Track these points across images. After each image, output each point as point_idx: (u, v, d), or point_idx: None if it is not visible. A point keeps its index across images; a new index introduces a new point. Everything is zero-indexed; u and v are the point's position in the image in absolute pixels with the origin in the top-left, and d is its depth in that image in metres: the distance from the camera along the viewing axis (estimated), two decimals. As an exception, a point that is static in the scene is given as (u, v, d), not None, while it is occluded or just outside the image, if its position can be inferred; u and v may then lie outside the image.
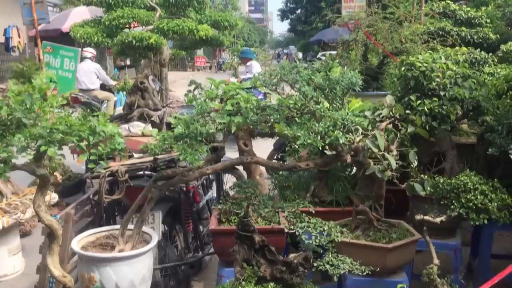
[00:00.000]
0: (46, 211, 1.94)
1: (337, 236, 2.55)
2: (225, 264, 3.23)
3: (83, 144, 1.69)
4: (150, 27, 6.22)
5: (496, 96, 3.82)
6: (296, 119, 2.30)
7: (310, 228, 2.49)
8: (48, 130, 1.62)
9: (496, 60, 5.24)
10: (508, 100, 3.55)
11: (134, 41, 5.80)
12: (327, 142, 2.18)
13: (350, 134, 2.37)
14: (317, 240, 2.47)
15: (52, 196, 4.84)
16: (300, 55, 44.44)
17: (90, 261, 2.47)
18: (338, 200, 3.85)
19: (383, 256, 2.99)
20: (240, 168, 5.19)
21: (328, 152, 3.41)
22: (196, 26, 6.10)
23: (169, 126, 5.14)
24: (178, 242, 4.09)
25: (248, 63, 11.26)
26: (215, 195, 4.86)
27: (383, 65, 4.42)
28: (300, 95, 2.31)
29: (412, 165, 2.98)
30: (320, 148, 3.33)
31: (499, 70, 4.68)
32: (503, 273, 1.91)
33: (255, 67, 11.09)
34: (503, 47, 5.89)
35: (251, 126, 2.90)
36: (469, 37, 5.37)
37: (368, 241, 3.09)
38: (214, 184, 4.94)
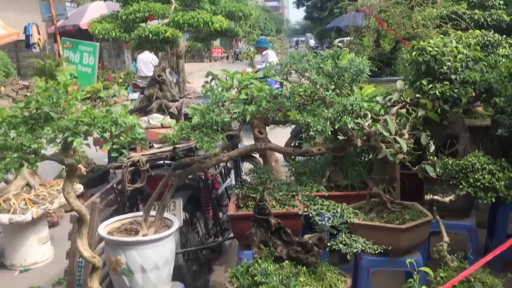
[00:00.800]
0: (75, 198, 2.08)
1: (350, 217, 2.64)
2: (244, 247, 3.37)
3: (107, 134, 1.82)
4: (165, 20, 6.34)
5: (509, 78, 3.85)
6: (307, 106, 2.39)
7: (323, 210, 2.59)
8: (74, 122, 1.75)
9: (510, 42, 5.23)
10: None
11: (150, 35, 5.93)
12: (336, 127, 2.27)
13: (360, 119, 2.46)
14: (330, 221, 2.57)
15: (78, 187, 5.03)
16: (312, 42, 44.02)
17: (116, 245, 2.63)
18: (353, 185, 3.95)
19: (396, 237, 3.08)
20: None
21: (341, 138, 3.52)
22: (210, 18, 6.19)
23: (187, 117, 5.26)
24: (199, 228, 4.24)
25: (264, 53, 11.34)
26: (233, 183, 5.00)
27: (396, 50, 4.47)
28: (309, 83, 2.40)
29: (427, 148, 3.05)
30: (333, 134, 3.45)
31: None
32: (504, 245, 2.00)
33: (271, 56, 11.16)
34: (517, 28, 5.86)
35: (265, 114, 3.02)
36: (482, 19, 5.35)
37: (382, 223, 3.19)
38: (232, 172, 5.07)
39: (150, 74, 11.00)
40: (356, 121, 2.41)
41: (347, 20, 6.58)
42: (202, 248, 3.97)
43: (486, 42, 4.69)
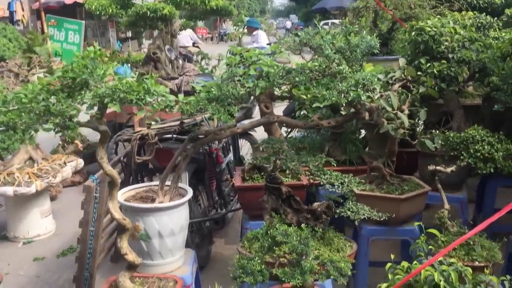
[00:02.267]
0: (107, 163, 2.19)
1: (357, 186, 2.80)
2: (250, 218, 3.52)
3: (142, 102, 1.93)
4: (163, -3, 6.38)
5: (501, 58, 4.04)
6: (321, 81, 2.52)
7: (332, 179, 2.75)
8: (113, 90, 1.85)
9: (500, 24, 5.41)
10: (508, 63, 3.76)
11: (148, 12, 5.97)
12: (349, 99, 2.41)
13: (369, 93, 2.60)
14: (339, 190, 2.73)
15: (79, 162, 5.11)
16: (289, 24, 43.83)
17: (135, 211, 2.74)
18: (351, 160, 4.12)
19: (396, 206, 3.26)
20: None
21: (343, 113, 3.67)
22: (207, -4, 6.25)
23: (187, 94, 5.35)
24: (201, 201, 4.38)
25: (254, 33, 11.42)
26: (232, 159, 5.13)
27: (393, 31, 4.61)
28: (324, 58, 2.53)
29: (419, 124, 3.23)
30: (332, 111, 3.60)
31: (503, 34, 4.87)
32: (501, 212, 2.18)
33: (261, 36, 11.24)
34: (507, 11, 6.05)
35: (271, 90, 3.15)
36: (475, 2, 5.52)
37: (382, 193, 3.37)
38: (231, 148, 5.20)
39: (188, 44, 13.82)
40: (367, 94, 2.55)
41: (334, 1, 6.67)
42: (206, 219, 4.11)
43: (479, 24, 4.86)
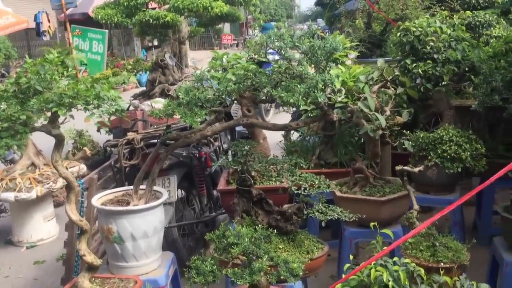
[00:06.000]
0: (63, 166, 2.26)
1: (326, 188, 2.79)
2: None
3: (91, 107, 1.99)
4: (166, 6, 6.49)
5: (494, 57, 3.95)
6: (283, 82, 2.53)
7: (301, 182, 2.75)
8: (58, 95, 1.92)
9: (504, 23, 5.30)
10: (503, 62, 3.67)
11: (151, 20, 6.09)
12: (309, 101, 2.42)
13: (333, 94, 2.59)
14: (306, 191, 2.72)
15: (81, 167, 5.24)
16: (295, 27, 43.75)
17: (108, 214, 2.81)
18: (342, 162, 4.10)
19: (377, 209, 3.23)
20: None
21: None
22: (210, 3, 6.32)
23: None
24: (195, 205, 4.43)
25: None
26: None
27: (386, 32, 4.57)
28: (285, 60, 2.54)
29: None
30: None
31: (508, 32, 4.76)
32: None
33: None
34: (514, 9, 5.91)
35: (251, 93, 3.17)
36: (474, 1, 5.42)
37: (364, 195, 3.34)
38: (230, 152, 5.24)
39: None
40: (329, 96, 2.55)
41: (357, 3, 6.67)
42: (195, 222, 4.16)
43: (477, 23, 4.77)
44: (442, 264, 2.38)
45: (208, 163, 4.16)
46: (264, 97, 2.91)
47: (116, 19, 6.50)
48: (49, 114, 2.10)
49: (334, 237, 4.32)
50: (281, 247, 2.73)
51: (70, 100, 1.92)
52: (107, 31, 16.70)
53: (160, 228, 2.95)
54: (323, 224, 2.72)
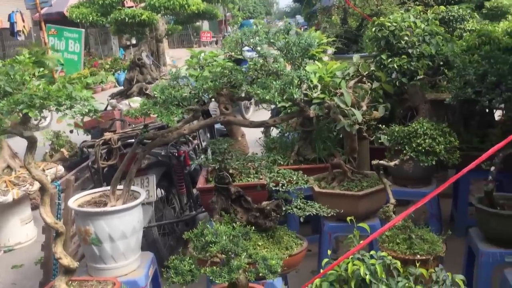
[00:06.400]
0: (36, 168, 2.22)
1: (304, 184, 2.80)
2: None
3: (62, 108, 1.96)
4: (142, 4, 6.43)
5: (467, 51, 4.01)
6: (259, 79, 2.53)
7: (279, 178, 2.75)
8: (28, 96, 1.89)
9: (477, 17, 5.39)
10: (476, 55, 3.73)
11: (127, 18, 6.03)
12: (284, 97, 2.42)
13: (309, 90, 2.60)
14: (284, 187, 2.73)
15: (58, 169, 5.17)
16: (274, 24, 43.83)
17: (85, 216, 2.77)
18: (321, 157, 4.12)
19: (354, 203, 3.26)
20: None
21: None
22: (186, 0, 6.29)
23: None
24: (175, 204, 4.41)
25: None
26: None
27: (362, 27, 4.61)
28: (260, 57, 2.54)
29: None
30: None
31: (482, 26, 4.84)
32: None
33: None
34: (487, 3, 6.01)
35: (228, 90, 3.16)
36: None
37: (342, 190, 3.36)
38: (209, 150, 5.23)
39: None
40: (305, 92, 2.56)
41: (331, 0, 6.70)
42: (175, 221, 4.14)
43: (451, 17, 4.84)
44: (418, 256, 2.42)
45: (187, 161, 4.14)
46: (242, 94, 2.92)
47: (91, 18, 6.43)
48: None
49: (315, 232, 4.35)
50: (260, 244, 2.73)
51: (41, 101, 1.89)
52: (83, 30, 16.47)
53: (138, 228, 2.93)
54: (301, 219, 2.73)
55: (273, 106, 5.58)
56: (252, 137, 4.99)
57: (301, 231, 4.01)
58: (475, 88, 3.14)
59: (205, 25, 37.38)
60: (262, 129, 5.13)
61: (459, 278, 2.06)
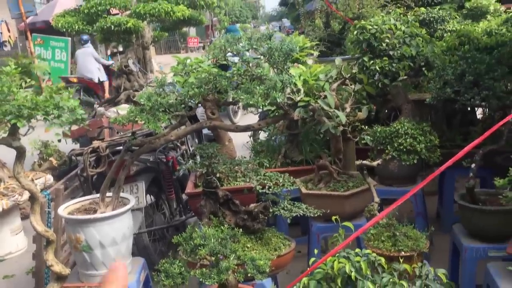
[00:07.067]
0: (25, 177, 2.25)
1: (290, 185, 2.86)
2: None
3: (50, 117, 2.00)
4: (128, 12, 6.47)
5: (447, 51, 4.11)
6: (243, 84, 2.59)
7: (265, 181, 2.81)
8: (16, 107, 1.93)
9: (458, 17, 5.49)
10: (455, 56, 3.82)
11: (113, 27, 6.06)
12: (267, 102, 2.48)
13: (292, 94, 2.66)
14: (270, 190, 2.79)
15: (47, 178, 5.18)
16: (261, 28, 44.04)
17: (75, 223, 2.81)
18: (307, 159, 4.18)
19: (341, 203, 3.32)
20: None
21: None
22: (172, 7, 6.34)
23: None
24: (165, 209, 4.44)
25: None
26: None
27: (344, 30, 4.69)
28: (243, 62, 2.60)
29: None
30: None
31: (462, 26, 4.95)
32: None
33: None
34: (467, 4, 6.13)
35: (211, 95, 3.22)
36: (429, -3, 5.62)
37: (328, 191, 3.43)
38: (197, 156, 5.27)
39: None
40: (289, 96, 2.62)
41: (313, 4, 6.79)
42: (165, 227, 4.18)
43: (431, 19, 4.94)
44: (402, 253, 2.47)
45: (176, 167, 4.18)
46: (230, 99, 2.97)
47: (77, 27, 6.45)
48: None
49: (304, 234, 4.41)
50: (249, 245, 2.78)
51: (29, 111, 1.93)
52: (69, 38, 16.40)
53: (129, 235, 2.96)
54: (289, 220, 2.78)
55: (260, 110, 5.64)
56: (240, 141, 5.05)
57: (290, 233, 4.07)
58: (454, 88, 3.22)
59: (192, 30, 37.41)
60: (250, 133, 5.18)
61: (441, 272, 2.12)
